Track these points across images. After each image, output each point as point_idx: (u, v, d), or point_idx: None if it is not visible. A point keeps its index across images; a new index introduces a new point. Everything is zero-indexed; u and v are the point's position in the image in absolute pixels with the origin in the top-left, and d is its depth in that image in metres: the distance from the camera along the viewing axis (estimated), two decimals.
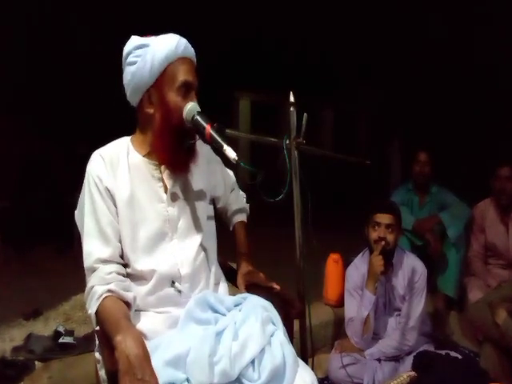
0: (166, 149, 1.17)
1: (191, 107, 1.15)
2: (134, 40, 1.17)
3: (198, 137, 1.19)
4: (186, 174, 1.23)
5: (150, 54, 1.13)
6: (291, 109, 1.57)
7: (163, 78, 1.14)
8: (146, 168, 1.21)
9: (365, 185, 6.17)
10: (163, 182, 1.21)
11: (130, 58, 1.16)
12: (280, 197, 1.32)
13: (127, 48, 1.17)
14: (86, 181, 1.18)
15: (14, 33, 4.32)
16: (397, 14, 4.98)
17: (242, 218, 1.48)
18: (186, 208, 1.23)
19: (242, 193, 1.53)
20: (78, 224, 1.20)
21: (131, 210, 1.16)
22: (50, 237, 3.78)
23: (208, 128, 1.12)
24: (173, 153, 1.17)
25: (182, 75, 1.15)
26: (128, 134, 1.27)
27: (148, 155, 1.21)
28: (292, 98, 1.57)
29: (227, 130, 1.20)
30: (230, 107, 7.59)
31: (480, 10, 4.47)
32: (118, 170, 1.18)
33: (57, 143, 4.66)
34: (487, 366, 1.93)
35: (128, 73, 1.17)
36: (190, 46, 1.19)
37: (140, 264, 1.16)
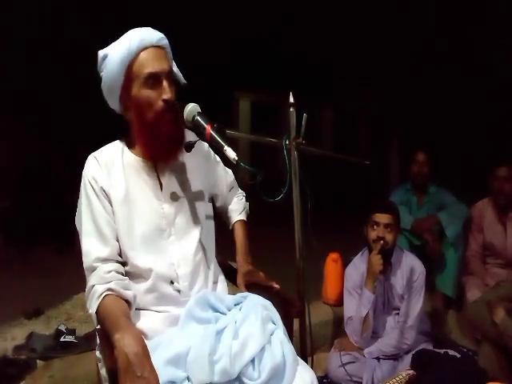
0: (148, 144, 1.18)
1: (192, 108, 1.16)
2: (99, 55, 1.19)
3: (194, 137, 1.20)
4: (178, 167, 1.24)
5: (110, 62, 1.15)
6: (291, 109, 1.57)
7: (128, 78, 1.15)
8: (140, 166, 1.22)
9: (364, 185, 6.18)
10: (158, 179, 1.23)
11: (100, 73, 1.19)
12: (280, 197, 1.32)
13: (98, 65, 1.20)
14: (82, 183, 1.20)
15: (14, 33, 4.32)
16: (396, 15, 4.99)
17: (241, 216, 1.48)
18: (183, 205, 1.24)
19: (241, 191, 1.54)
20: (77, 227, 1.21)
21: (127, 208, 1.17)
22: (50, 237, 3.79)
23: (208, 128, 1.12)
24: (156, 146, 1.17)
25: (144, 68, 1.13)
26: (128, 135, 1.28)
27: (141, 154, 1.22)
28: (292, 99, 1.57)
29: (227, 131, 1.21)
30: (230, 107, 7.59)
31: (480, 10, 4.47)
32: (112, 169, 1.19)
33: (57, 143, 4.67)
34: (485, 364, 1.93)
35: (102, 87, 1.20)
36: (150, 33, 1.16)
37: (138, 261, 1.17)
